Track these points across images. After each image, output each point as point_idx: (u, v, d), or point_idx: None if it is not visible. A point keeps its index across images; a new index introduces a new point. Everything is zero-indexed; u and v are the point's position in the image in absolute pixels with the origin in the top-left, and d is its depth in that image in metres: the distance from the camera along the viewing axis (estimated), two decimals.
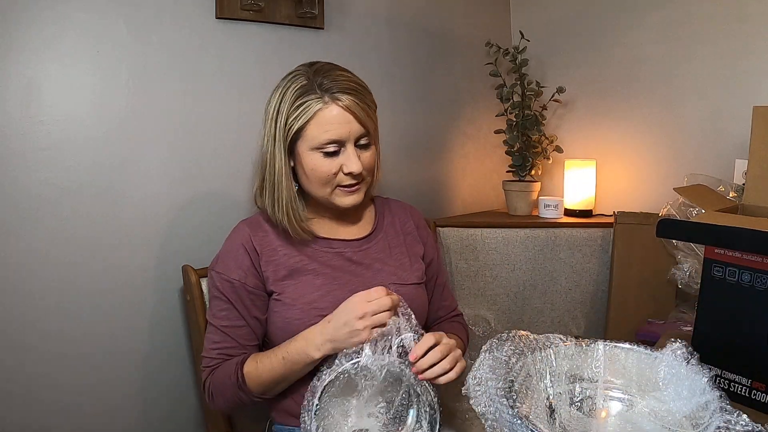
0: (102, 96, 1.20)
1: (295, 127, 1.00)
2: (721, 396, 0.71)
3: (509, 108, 1.82)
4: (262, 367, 0.99)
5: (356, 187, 1.05)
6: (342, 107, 0.99)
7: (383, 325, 0.91)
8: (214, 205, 1.36)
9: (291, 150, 1.04)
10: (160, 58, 1.25)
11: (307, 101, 0.99)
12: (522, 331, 0.84)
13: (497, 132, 1.87)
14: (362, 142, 1.03)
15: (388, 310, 0.92)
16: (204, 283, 1.23)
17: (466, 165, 1.96)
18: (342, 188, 1.04)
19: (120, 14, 1.19)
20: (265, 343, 1.12)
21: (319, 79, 1.00)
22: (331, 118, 0.99)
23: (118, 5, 1.19)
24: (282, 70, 1.42)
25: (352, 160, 1.01)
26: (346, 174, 1.02)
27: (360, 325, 0.91)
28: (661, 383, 0.80)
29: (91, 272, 1.21)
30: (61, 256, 1.18)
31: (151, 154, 1.26)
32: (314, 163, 1.01)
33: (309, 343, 0.96)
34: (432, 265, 1.23)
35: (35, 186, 1.14)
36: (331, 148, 1.00)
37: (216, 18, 1.32)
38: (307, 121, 0.99)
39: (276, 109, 1.02)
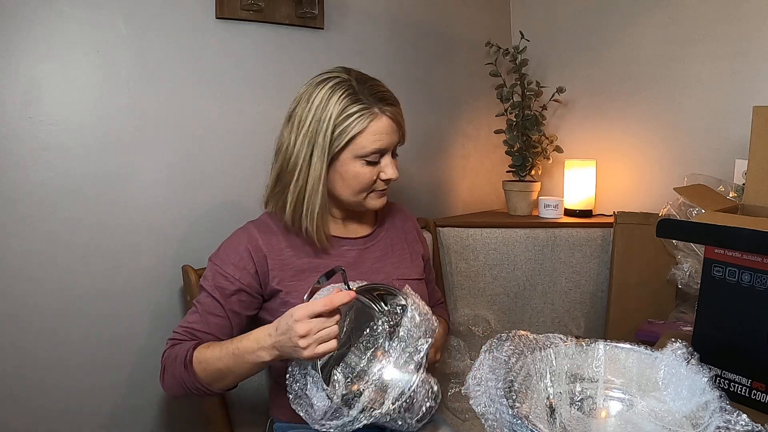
0: (102, 96, 1.20)
1: (346, 137, 1.01)
2: (721, 396, 0.71)
3: (509, 108, 1.82)
4: (211, 354, 0.96)
5: (386, 190, 1.10)
6: (390, 117, 1.03)
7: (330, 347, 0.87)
8: (214, 205, 1.36)
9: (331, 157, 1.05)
10: (160, 58, 1.25)
11: (358, 111, 1.00)
12: (522, 331, 0.84)
13: (497, 132, 1.87)
14: (396, 150, 1.09)
15: (333, 330, 0.87)
16: None
17: (466, 165, 1.96)
18: (376, 192, 1.08)
19: (120, 13, 1.19)
20: None
21: (363, 89, 1.02)
22: (381, 129, 1.02)
23: (117, 4, 1.19)
24: (282, 70, 1.43)
25: (391, 168, 1.06)
26: (383, 180, 1.07)
27: (302, 343, 0.85)
28: (661, 383, 0.80)
29: (91, 273, 1.21)
30: (60, 257, 1.18)
31: (150, 154, 1.26)
32: (356, 170, 1.03)
33: (260, 346, 0.92)
34: (427, 263, 1.30)
35: (35, 186, 1.14)
36: (375, 158, 1.04)
37: (216, 18, 1.32)
38: (360, 131, 1.01)
39: (318, 116, 1.01)
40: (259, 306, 1.10)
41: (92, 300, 1.22)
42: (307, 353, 0.85)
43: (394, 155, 1.09)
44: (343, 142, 1.01)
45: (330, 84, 1.02)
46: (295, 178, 1.03)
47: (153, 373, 1.30)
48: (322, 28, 1.50)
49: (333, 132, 1.00)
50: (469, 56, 1.91)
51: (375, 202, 1.09)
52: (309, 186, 1.03)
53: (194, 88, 1.31)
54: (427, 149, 1.83)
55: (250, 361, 0.94)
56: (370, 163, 1.04)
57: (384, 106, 1.02)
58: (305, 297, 0.90)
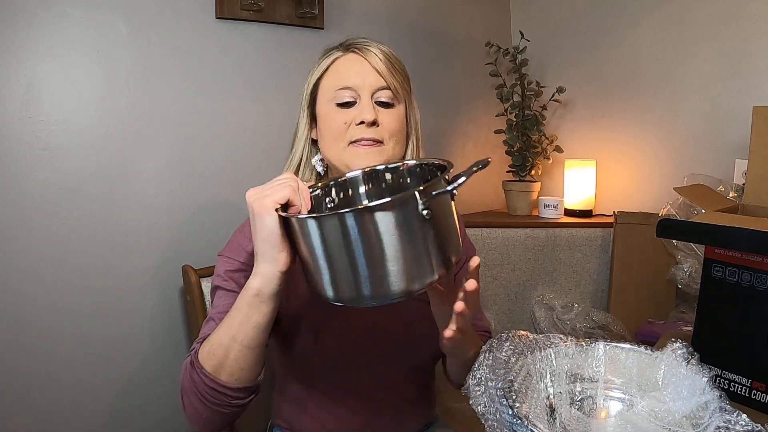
0: (102, 96, 1.20)
1: (313, 82, 0.96)
2: (721, 396, 0.71)
3: (509, 108, 1.82)
4: (214, 333, 0.82)
5: (371, 144, 0.92)
6: (360, 55, 0.94)
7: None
8: (214, 204, 1.36)
9: (313, 117, 0.98)
10: (160, 58, 1.25)
11: (327, 56, 0.96)
12: (522, 331, 0.84)
13: (497, 132, 1.87)
14: (383, 98, 0.94)
15: (286, 184, 0.74)
16: (204, 283, 1.23)
17: (466, 165, 1.95)
18: (354, 144, 0.92)
19: (120, 14, 1.19)
20: (282, 347, 1.00)
21: (347, 41, 0.97)
22: (347, 66, 0.94)
23: (117, 5, 1.19)
24: (282, 70, 1.43)
25: (366, 109, 0.91)
26: (357, 124, 0.92)
27: (253, 200, 0.73)
28: (661, 383, 0.80)
29: (91, 272, 1.21)
30: (60, 257, 1.18)
31: (151, 154, 1.26)
32: (329, 115, 0.93)
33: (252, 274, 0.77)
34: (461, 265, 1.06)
35: (35, 186, 1.14)
36: (346, 97, 0.92)
37: (216, 18, 1.32)
38: (325, 71, 0.95)
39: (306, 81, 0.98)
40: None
41: (92, 299, 1.22)
42: (256, 204, 0.73)
43: (384, 105, 0.94)
44: (310, 89, 0.96)
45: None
46: (294, 149, 0.99)
47: (153, 372, 1.31)
48: (322, 28, 1.50)
49: (308, 85, 0.97)
50: (469, 56, 1.91)
51: (355, 158, 0.91)
52: (294, 143, 0.98)
53: (194, 88, 1.31)
54: (427, 149, 1.83)
55: (245, 305, 0.77)
56: (342, 105, 0.93)
57: (352, 47, 0.95)
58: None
